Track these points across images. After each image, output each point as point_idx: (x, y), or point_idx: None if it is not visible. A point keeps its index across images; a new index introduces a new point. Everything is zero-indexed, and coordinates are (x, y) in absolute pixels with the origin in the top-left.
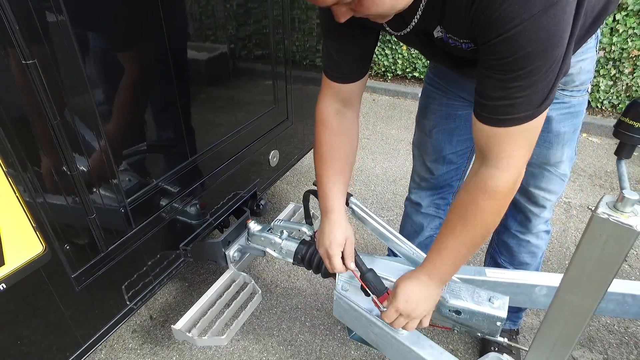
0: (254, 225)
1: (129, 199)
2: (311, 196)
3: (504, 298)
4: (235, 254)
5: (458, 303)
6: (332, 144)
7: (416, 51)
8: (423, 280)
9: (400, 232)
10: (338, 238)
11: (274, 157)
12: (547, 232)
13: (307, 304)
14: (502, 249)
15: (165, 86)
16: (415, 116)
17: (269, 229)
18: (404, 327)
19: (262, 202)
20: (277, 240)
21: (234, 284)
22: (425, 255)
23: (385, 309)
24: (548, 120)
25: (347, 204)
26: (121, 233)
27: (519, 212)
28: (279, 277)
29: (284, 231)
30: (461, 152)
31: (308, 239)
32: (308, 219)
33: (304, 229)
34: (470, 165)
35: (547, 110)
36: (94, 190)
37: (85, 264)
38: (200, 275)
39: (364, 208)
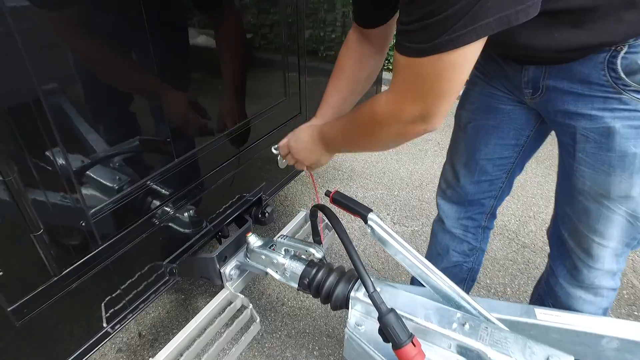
0: (254, 240)
1: (94, 210)
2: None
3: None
4: (233, 272)
5: None
6: (341, 62)
7: None
8: (314, 136)
9: (426, 254)
10: (294, 131)
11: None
12: (613, 289)
13: (317, 327)
14: (549, 296)
15: (144, 67)
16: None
17: (271, 245)
18: (293, 165)
19: (269, 209)
20: (280, 259)
21: (229, 308)
22: (455, 287)
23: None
24: (609, 133)
25: (365, 221)
26: (82, 252)
27: (567, 257)
28: (286, 294)
29: (289, 249)
30: (499, 162)
31: (317, 260)
32: (316, 236)
33: (312, 250)
34: (509, 188)
35: (451, 57)
36: (41, 199)
37: (29, 293)
38: (200, 286)
39: (385, 227)
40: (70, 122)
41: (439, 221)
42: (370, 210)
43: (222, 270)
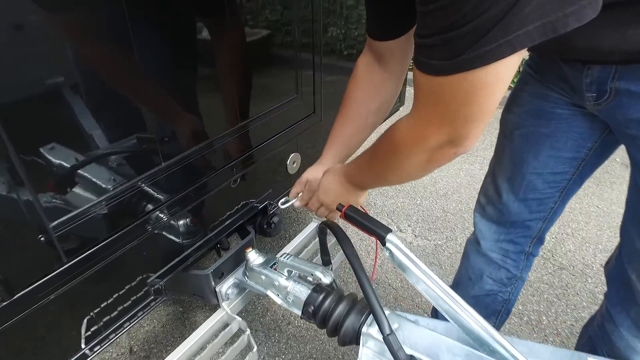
0: (254, 257)
1: (56, 222)
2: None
3: None
4: (230, 291)
5: None
6: (351, 93)
7: None
8: (342, 181)
9: (456, 277)
10: (303, 176)
11: (293, 161)
12: None
13: (325, 353)
14: (603, 343)
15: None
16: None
17: (274, 264)
18: (320, 214)
19: (275, 219)
20: (283, 281)
21: (223, 332)
22: (489, 328)
23: None
24: None
25: (383, 243)
26: (41, 272)
27: (633, 305)
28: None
29: (293, 270)
30: (551, 177)
31: (325, 285)
32: (325, 256)
33: (319, 274)
34: (562, 209)
35: (481, 75)
36: None
37: None
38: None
39: (406, 251)
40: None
41: (474, 241)
42: (389, 231)
43: (217, 289)
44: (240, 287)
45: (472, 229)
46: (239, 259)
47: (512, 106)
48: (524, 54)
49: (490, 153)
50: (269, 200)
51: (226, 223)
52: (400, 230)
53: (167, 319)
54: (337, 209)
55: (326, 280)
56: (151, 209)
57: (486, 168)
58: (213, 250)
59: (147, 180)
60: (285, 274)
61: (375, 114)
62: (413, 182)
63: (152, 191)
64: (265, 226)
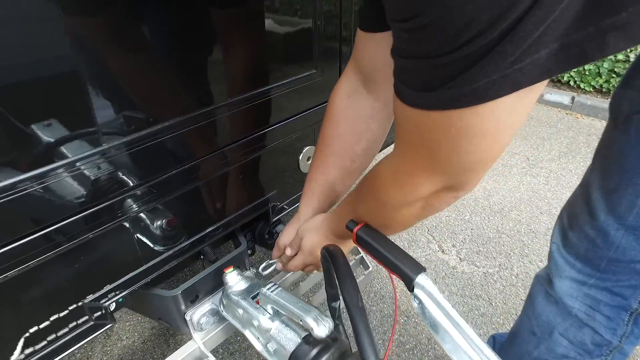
0: (234, 280)
1: None
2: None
3: None
4: (204, 320)
5: None
6: (329, 131)
7: None
8: (330, 238)
9: (513, 328)
10: (280, 240)
11: (307, 157)
12: None
13: None
14: None
15: None
16: None
17: (256, 296)
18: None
19: (280, 227)
20: (265, 322)
21: None
22: None
23: None
24: None
25: (409, 287)
26: None
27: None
28: None
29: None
30: None
31: (319, 338)
32: (332, 288)
33: (310, 320)
34: None
35: (480, 113)
36: None
37: None
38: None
39: (442, 301)
40: None
41: (544, 279)
42: (421, 271)
43: (188, 317)
44: (221, 316)
45: (532, 256)
46: (219, 280)
47: (634, 80)
48: (541, 89)
49: (558, 165)
50: (272, 203)
51: (210, 229)
52: (443, 251)
53: (150, 333)
54: (348, 227)
55: (320, 331)
56: (89, 204)
57: (553, 183)
58: (197, 262)
59: (80, 166)
60: (270, 311)
61: (363, 156)
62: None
63: (87, 182)
64: (266, 236)
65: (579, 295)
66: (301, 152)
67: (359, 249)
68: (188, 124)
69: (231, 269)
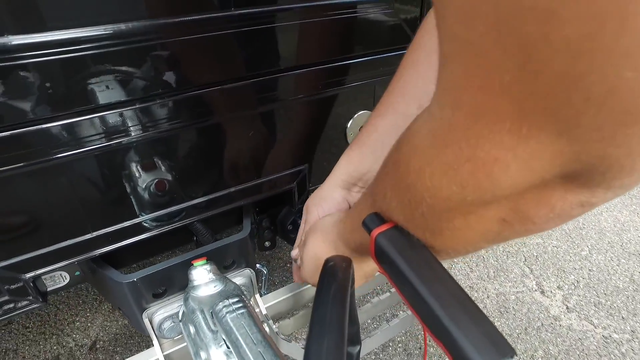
0: (202, 278)
1: None
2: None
3: None
4: (167, 325)
5: None
6: (404, 59)
7: None
8: (340, 249)
9: None
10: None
11: (359, 125)
12: None
13: None
14: None
15: None
16: None
17: (222, 309)
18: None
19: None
20: (216, 354)
21: None
22: None
23: None
24: None
25: None
26: None
27: None
28: None
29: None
30: None
31: None
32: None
33: None
34: None
35: None
36: None
37: None
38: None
39: None
40: None
41: None
42: (507, 355)
43: (145, 316)
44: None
45: None
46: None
47: None
48: None
49: None
50: (300, 181)
51: (201, 198)
52: (542, 292)
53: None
54: (365, 225)
55: None
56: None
57: None
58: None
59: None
60: (225, 341)
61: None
62: (582, 219)
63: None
64: (290, 226)
65: None
66: (352, 118)
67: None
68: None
69: (202, 261)
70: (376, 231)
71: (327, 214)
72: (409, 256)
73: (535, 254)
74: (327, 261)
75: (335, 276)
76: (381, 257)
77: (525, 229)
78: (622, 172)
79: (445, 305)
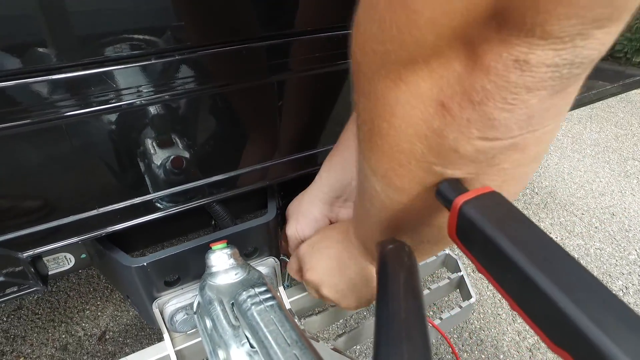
0: (222, 264)
1: None
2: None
3: None
4: (180, 317)
5: None
6: None
7: None
8: (352, 255)
9: None
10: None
11: None
12: None
13: None
14: None
15: None
16: None
17: (247, 300)
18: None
19: None
20: (236, 354)
21: None
22: None
23: None
24: None
25: None
26: None
27: None
28: None
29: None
30: None
31: None
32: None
33: None
34: None
35: None
36: None
37: None
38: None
39: None
40: None
41: None
42: None
43: (155, 307)
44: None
45: None
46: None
47: None
48: None
49: None
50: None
51: (217, 177)
52: None
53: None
54: (442, 191)
55: None
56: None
57: None
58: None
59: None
60: (249, 339)
61: None
62: (629, 216)
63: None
64: None
65: None
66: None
67: (459, 263)
68: None
69: (222, 244)
70: (461, 199)
71: (305, 232)
72: (515, 231)
73: (576, 255)
74: (383, 244)
75: (401, 262)
76: (468, 235)
77: (468, 120)
78: (546, 14)
79: (581, 301)
